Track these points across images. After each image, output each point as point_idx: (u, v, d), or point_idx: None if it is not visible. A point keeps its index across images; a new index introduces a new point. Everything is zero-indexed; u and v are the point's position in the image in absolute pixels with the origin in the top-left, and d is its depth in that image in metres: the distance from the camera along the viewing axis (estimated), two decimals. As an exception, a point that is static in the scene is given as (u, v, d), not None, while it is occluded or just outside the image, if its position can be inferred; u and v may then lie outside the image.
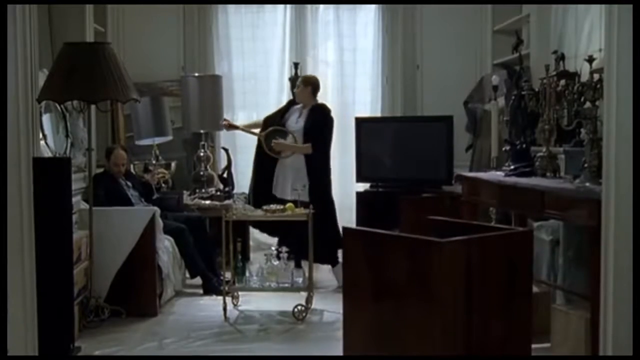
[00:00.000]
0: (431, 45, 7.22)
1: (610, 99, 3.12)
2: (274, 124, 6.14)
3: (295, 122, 6.03)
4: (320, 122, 5.97)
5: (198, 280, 5.76)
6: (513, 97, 5.01)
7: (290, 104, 6.26)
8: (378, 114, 7.31)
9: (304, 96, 6.03)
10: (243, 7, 7.23)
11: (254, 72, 7.28)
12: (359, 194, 6.71)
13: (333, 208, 6.00)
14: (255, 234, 7.11)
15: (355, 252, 3.23)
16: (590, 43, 4.99)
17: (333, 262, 5.92)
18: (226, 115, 6.74)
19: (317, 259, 5.41)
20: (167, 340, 4.51)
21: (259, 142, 6.20)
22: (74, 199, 4.57)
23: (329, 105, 6.22)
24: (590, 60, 4.01)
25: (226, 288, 5.03)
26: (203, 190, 6.45)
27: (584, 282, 4.00)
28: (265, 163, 6.10)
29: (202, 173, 6.51)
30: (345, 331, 3.29)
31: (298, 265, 5.72)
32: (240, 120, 7.28)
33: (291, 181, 5.89)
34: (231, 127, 6.52)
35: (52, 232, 3.85)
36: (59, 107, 5.13)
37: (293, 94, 6.49)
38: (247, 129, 6.54)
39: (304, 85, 6.03)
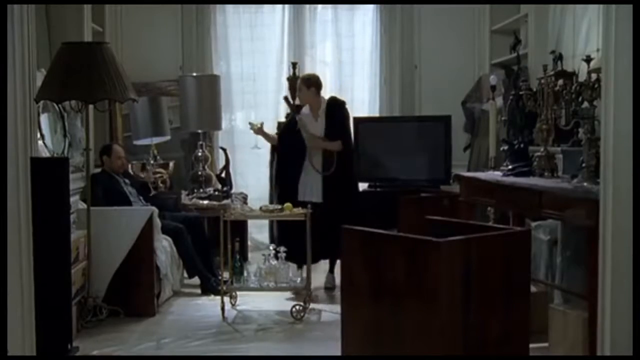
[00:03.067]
0: (429, 45, 7.23)
1: (608, 98, 3.13)
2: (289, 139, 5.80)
3: (314, 127, 5.76)
4: (340, 117, 5.79)
5: (196, 280, 5.76)
6: (511, 97, 5.01)
7: (294, 115, 5.87)
8: (376, 114, 7.32)
9: (309, 98, 5.77)
10: (241, 7, 7.24)
11: (252, 72, 7.28)
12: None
13: (359, 207, 5.83)
14: (253, 233, 7.12)
15: (354, 251, 3.23)
16: (588, 43, 5.00)
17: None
18: (224, 115, 6.73)
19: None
20: (165, 340, 4.51)
21: (276, 149, 6.01)
22: (71, 199, 4.57)
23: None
24: (588, 60, 4.01)
25: (224, 288, 5.02)
26: (201, 190, 6.45)
27: (581, 281, 3.99)
28: (288, 168, 5.83)
29: (200, 173, 6.51)
30: (344, 331, 3.29)
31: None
32: (239, 120, 7.30)
33: (316, 184, 5.72)
34: (259, 132, 5.96)
35: (50, 232, 3.84)
36: (56, 107, 5.12)
37: (292, 93, 6.47)
38: (269, 137, 6.13)
39: (306, 87, 5.74)
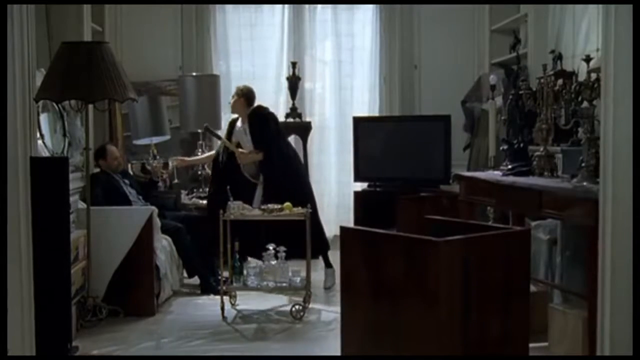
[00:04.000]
0: (429, 45, 7.23)
1: (607, 98, 3.13)
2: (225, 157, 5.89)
3: (244, 141, 5.85)
4: (258, 126, 5.79)
5: (196, 279, 5.76)
6: (511, 97, 5.01)
7: (232, 126, 5.96)
8: (376, 114, 7.31)
9: (237, 107, 5.83)
10: (241, 7, 7.23)
11: (251, 72, 7.27)
12: (356, 194, 6.72)
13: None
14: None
15: (353, 251, 3.23)
16: (587, 43, 5.00)
17: (317, 255, 5.89)
18: (224, 115, 6.75)
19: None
20: (164, 339, 4.51)
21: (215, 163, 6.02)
22: (71, 199, 4.57)
23: (266, 105, 6.08)
24: (588, 59, 4.01)
25: (224, 287, 5.02)
26: (201, 190, 6.45)
27: (581, 281, 4.00)
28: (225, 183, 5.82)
29: (199, 172, 6.51)
30: (343, 330, 3.29)
31: None
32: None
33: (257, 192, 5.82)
34: (183, 162, 6.30)
35: (49, 231, 3.84)
36: (56, 107, 5.12)
37: (292, 93, 6.50)
38: (201, 159, 6.37)
39: (237, 96, 5.82)
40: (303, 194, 5.66)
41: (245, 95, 5.83)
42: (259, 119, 5.83)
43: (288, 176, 5.80)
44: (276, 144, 5.82)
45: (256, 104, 5.89)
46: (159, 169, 6.12)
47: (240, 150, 5.82)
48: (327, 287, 5.86)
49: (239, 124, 5.92)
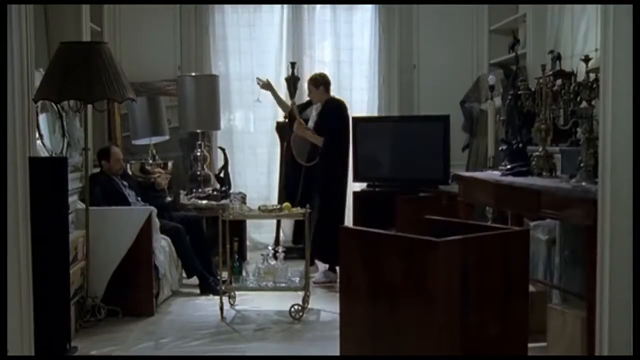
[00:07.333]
0: (428, 45, 7.24)
1: (606, 98, 3.13)
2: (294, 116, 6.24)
3: (312, 119, 6.17)
4: (327, 116, 6.02)
5: (195, 280, 5.76)
6: (509, 97, 5.02)
7: (310, 103, 6.32)
8: (375, 114, 7.32)
9: (318, 96, 6.08)
10: (240, 7, 7.23)
11: (250, 72, 7.27)
12: (356, 194, 6.72)
13: (336, 206, 5.94)
14: (251, 233, 7.12)
15: (352, 251, 3.24)
16: (586, 43, 5.00)
17: (330, 262, 5.94)
18: (223, 115, 6.74)
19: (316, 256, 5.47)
20: (163, 340, 4.51)
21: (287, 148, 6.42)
22: (70, 199, 4.57)
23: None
24: (587, 60, 4.01)
25: (223, 288, 5.03)
26: (200, 190, 6.45)
27: (580, 281, 4.00)
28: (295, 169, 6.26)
29: (198, 173, 6.52)
30: (342, 330, 3.29)
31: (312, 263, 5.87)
32: (238, 119, 7.32)
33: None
34: (267, 87, 6.48)
35: (48, 231, 3.84)
36: (55, 107, 5.12)
37: (290, 93, 6.53)
38: (279, 98, 6.58)
39: (315, 87, 6.08)
40: (336, 194, 5.91)
41: (323, 83, 6.08)
42: (335, 108, 6.05)
43: (337, 174, 5.97)
44: (343, 139, 6.03)
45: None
46: (162, 178, 6.11)
47: (301, 121, 6.06)
48: (317, 281, 5.89)
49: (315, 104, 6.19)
